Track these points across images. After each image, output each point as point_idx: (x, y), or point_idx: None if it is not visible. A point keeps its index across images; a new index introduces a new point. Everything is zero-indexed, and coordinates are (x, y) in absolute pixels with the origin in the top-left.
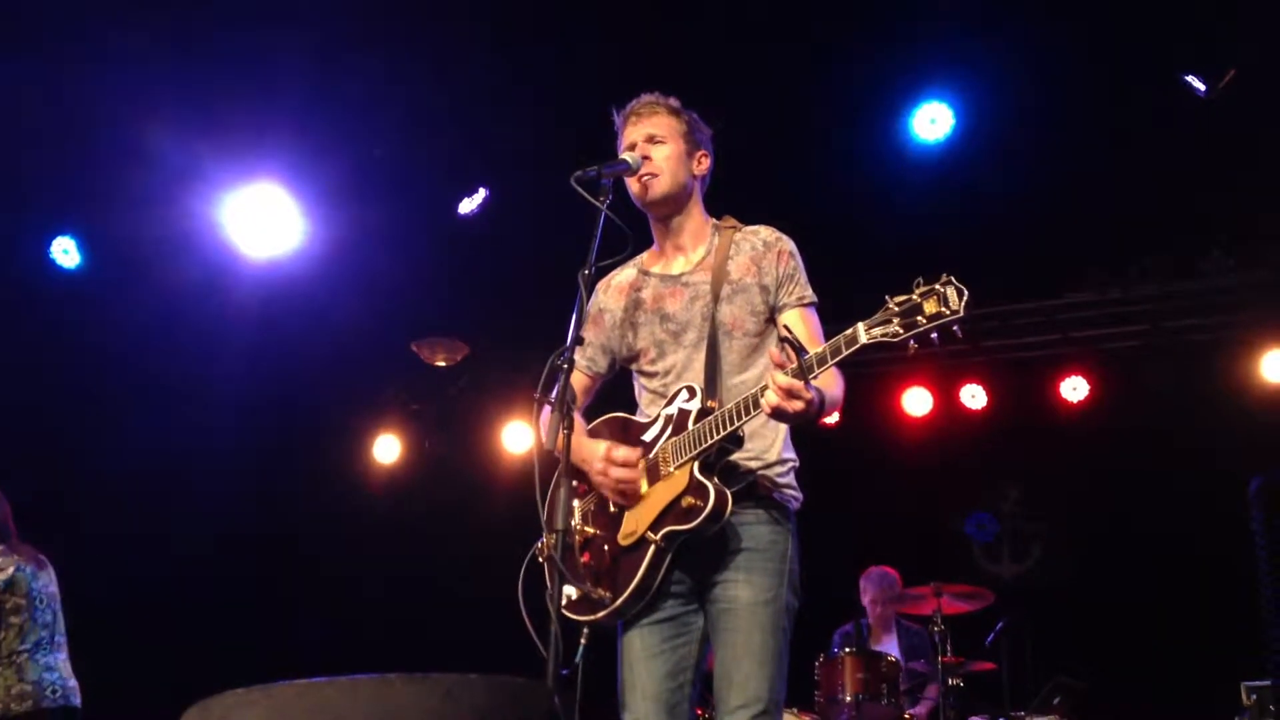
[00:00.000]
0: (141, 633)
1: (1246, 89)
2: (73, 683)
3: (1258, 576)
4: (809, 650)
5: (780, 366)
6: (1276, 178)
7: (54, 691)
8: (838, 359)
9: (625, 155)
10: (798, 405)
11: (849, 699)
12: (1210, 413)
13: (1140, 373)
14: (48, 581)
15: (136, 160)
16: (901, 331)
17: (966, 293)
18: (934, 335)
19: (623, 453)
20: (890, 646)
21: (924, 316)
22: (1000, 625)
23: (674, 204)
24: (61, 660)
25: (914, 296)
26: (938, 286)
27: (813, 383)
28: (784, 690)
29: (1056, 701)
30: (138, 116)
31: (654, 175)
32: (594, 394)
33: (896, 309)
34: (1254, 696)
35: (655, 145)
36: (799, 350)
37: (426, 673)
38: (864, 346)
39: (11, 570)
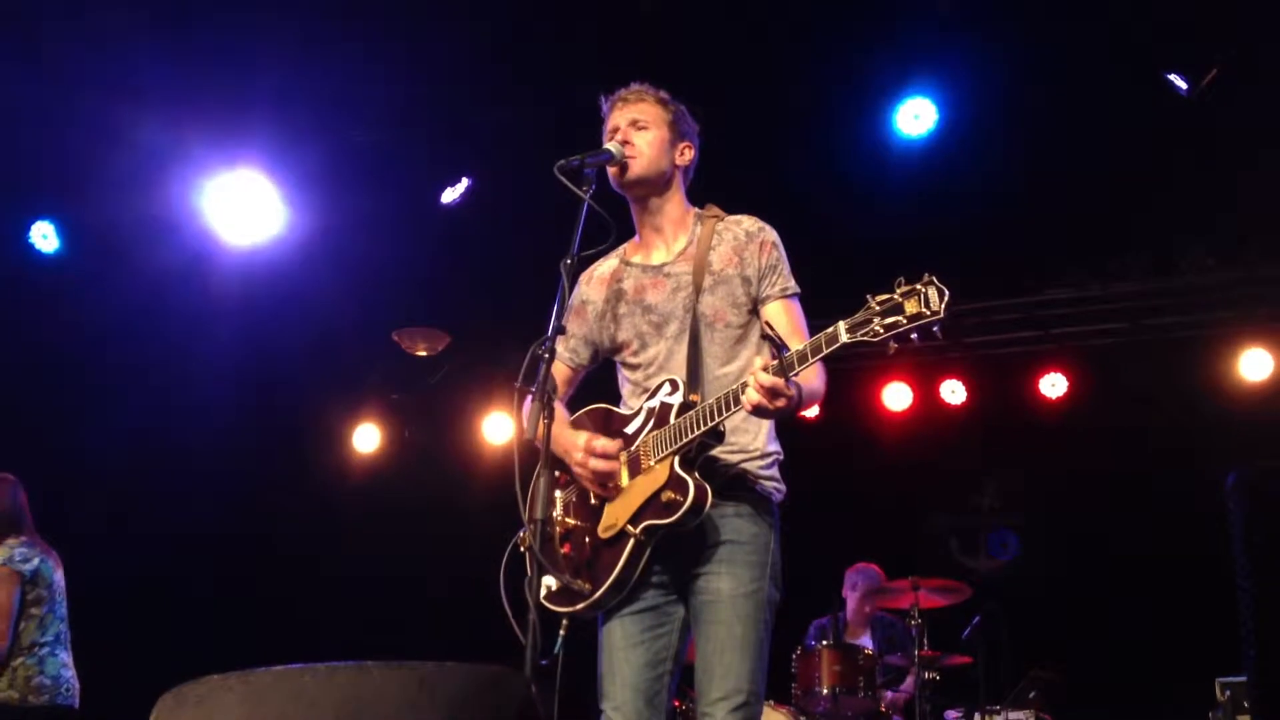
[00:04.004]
0: (117, 623)
1: (1229, 87)
2: (78, 683)
3: (1233, 572)
4: (786, 643)
5: (763, 367)
6: (1257, 176)
7: (68, 689)
8: (819, 357)
9: (608, 145)
10: (779, 403)
11: (826, 691)
12: (1188, 409)
13: (1119, 369)
14: (61, 576)
15: (116, 145)
16: (882, 331)
17: (948, 293)
18: (914, 335)
19: (602, 443)
20: (865, 640)
21: (905, 316)
22: (977, 619)
23: (650, 187)
24: (71, 659)
25: (895, 296)
26: (919, 286)
27: (793, 378)
28: (765, 682)
29: (1032, 695)
30: (118, 101)
31: (632, 158)
32: (576, 385)
33: (878, 308)
34: (1228, 692)
35: (638, 130)
36: (780, 347)
37: (403, 661)
38: (845, 345)
39: (36, 561)
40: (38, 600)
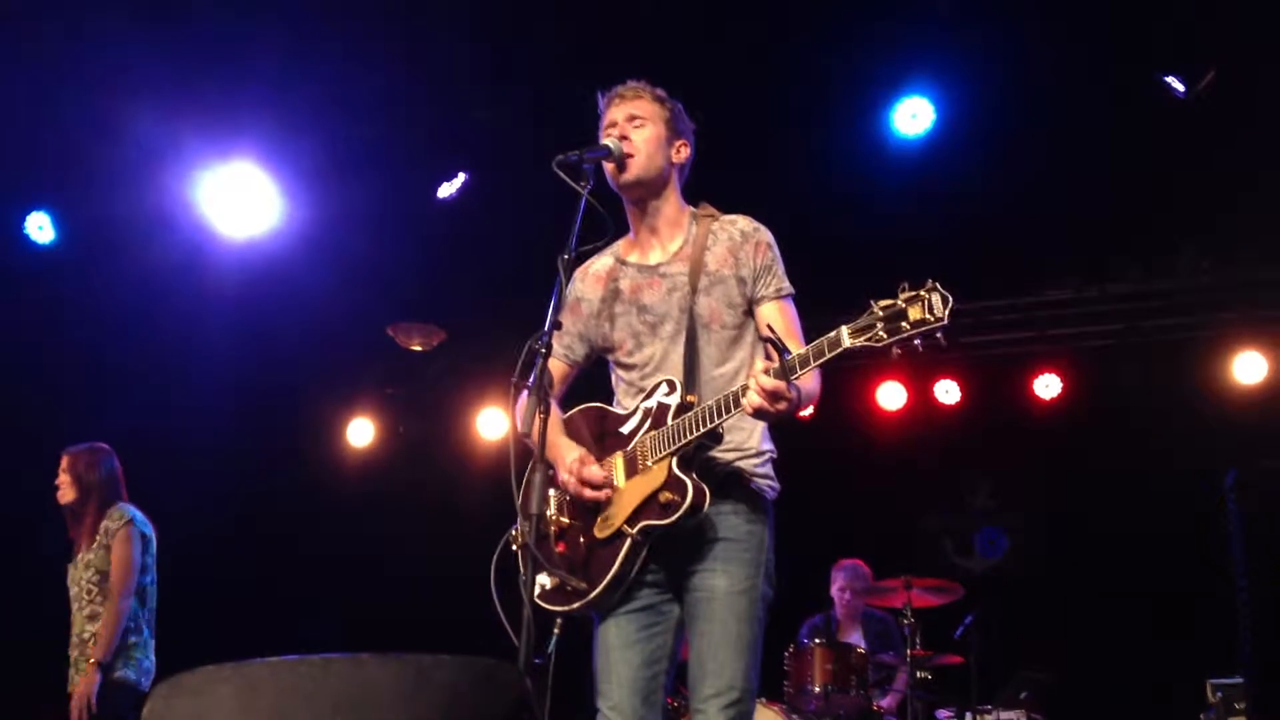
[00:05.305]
0: None
1: (1224, 89)
2: None
3: (1230, 572)
4: (778, 641)
5: (764, 370)
6: (1252, 178)
7: (150, 675)
8: (820, 361)
9: (606, 141)
10: (780, 406)
11: (818, 689)
12: (1182, 411)
13: (1112, 371)
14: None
15: (112, 136)
16: (885, 337)
17: (951, 299)
18: (917, 342)
19: (592, 473)
20: (856, 638)
21: (908, 322)
22: (969, 619)
23: (648, 187)
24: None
25: (898, 301)
26: (922, 292)
27: (793, 381)
28: (758, 680)
29: (1023, 695)
30: (114, 93)
31: (630, 155)
32: (571, 382)
33: (880, 313)
34: (1219, 694)
35: (635, 127)
36: (781, 351)
37: (399, 653)
38: (847, 350)
39: (149, 529)
40: (143, 569)
